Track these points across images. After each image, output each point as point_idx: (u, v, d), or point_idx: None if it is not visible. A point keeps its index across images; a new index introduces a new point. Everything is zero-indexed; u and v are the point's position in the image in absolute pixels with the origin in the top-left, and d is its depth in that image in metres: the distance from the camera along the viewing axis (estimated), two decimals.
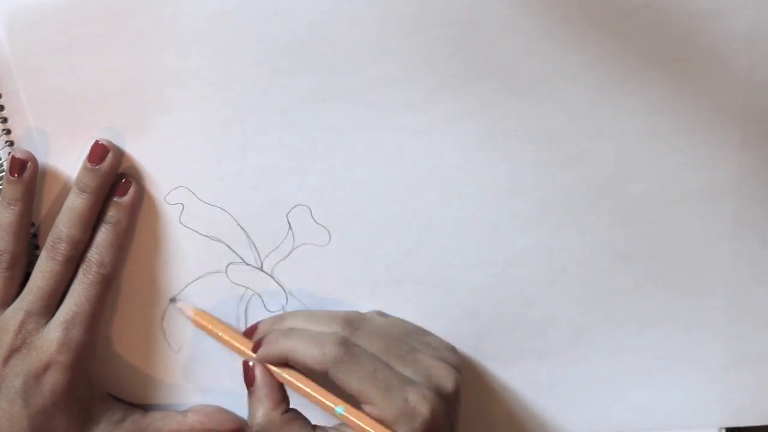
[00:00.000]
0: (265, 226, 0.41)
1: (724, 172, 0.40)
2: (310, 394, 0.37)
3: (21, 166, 0.39)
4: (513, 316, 0.42)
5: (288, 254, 0.42)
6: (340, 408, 0.36)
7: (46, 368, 0.38)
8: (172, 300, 0.42)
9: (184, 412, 0.42)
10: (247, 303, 0.42)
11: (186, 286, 0.42)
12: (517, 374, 0.43)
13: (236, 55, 0.39)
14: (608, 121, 0.40)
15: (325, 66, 0.39)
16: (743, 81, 0.39)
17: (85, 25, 0.39)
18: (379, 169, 0.41)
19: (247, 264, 0.42)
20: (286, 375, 0.38)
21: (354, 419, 0.36)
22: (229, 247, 0.42)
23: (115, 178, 0.40)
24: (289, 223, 0.41)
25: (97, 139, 0.40)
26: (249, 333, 0.41)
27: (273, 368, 0.38)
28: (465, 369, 0.42)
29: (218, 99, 0.40)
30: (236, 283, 0.42)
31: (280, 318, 0.40)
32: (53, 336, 0.38)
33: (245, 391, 0.42)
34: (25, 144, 0.40)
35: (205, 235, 0.41)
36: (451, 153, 0.40)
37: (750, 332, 0.42)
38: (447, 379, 0.37)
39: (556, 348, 0.42)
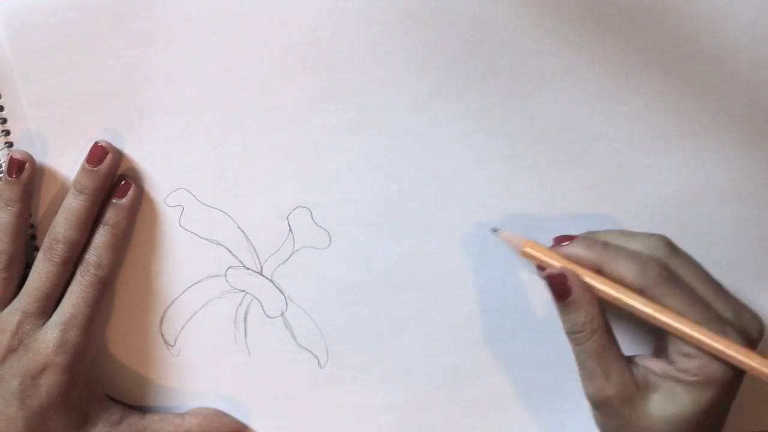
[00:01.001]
0: (265, 228, 0.41)
1: (726, 173, 0.40)
2: (638, 308, 0.35)
3: (19, 166, 0.39)
4: (513, 321, 0.42)
5: (288, 258, 0.41)
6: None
7: (42, 369, 0.38)
8: (494, 230, 0.40)
9: (182, 415, 0.42)
10: (247, 308, 0.42)
11: (185, 290, 0.42)
12: (518, 380, 0.43)
13: (236, 55, 0.39)
14: (610, 122, 0.40)
15: (325, 66, 0.39)
16: (745, 81, 0.39)
17: (85, 26, 0.39)
18: (380, 170, 0.40)
19: (247, 268, 0.42)
20: (605, 286, 0.36)
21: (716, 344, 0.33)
22: (228, 250, 0.41)
23: (114, 180, 0.40)
24: (289, 225, 0.41)
25: (96, 140, 0.40)
26: (559, 240, 0.38)
27: (589, 277, 0.36)
28: (465, 374, 0.42)
29: (218, 100, 0.40)
30: (235, 288, 0.42)
31: (592, 233, 0.38)
32: (50, 337, 0.38)
33: (243, 394, 0.42)
34: (24, 144, 0.40)
35: (205, 239, 0.41)
36: (453, 154, 0.40)
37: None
38: (756, 326, 0.36)
39: (556, 353, 0.42)
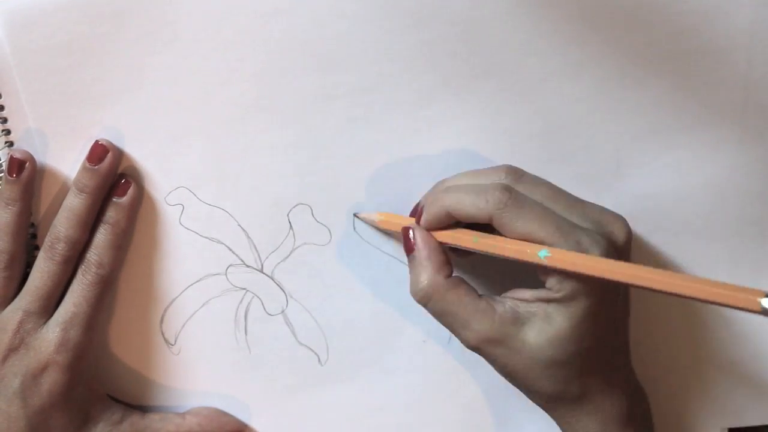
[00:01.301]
0: (266, 225, 0.41)
1: (724, 169, 0.40)
2: (495, 246, 0.35)
3: (19, 165, 0.39)
4: None
5: (288, 255, 0.41)
6: (544, 251, 0.33)
7: (44, 368, 0.38)
8: (355, 215, 0.41)
9: (183, 414, 0.42)
10: (247, 306, 0.42)
11: (185, 289, 0.42)
12: None
13: (236, 54, 0.39)
14: (608, 119, 0.40)
15: (325, 65, 0.39)
16: (742, 78, 0.39)
17: (85, 25, 0.39)
18: (380, 167, 0.41)
19: (248, 266, 0.42)
20: (453, 235, 0.36)
21: (562, 258, 0.32)
22: (229, 248, 0.41)
23: (114, 179, 0.40)
24: (290, 222, 0.41)
25: (97, 139, 0.40)
26: (413, 214, 0.39)
27: (441, 233, 0.36)
28: (465, 373, 0.42)
29: (218, 99, 0.40)
30: (236, 286, 0.42)
31: (440, 181, 0.38)
32: (51, 336, 0.38)
33: (243, 393, 0.42)
34: (25, 144, 0.40)
35: (205, 237, 0.41)
36: (452, 152, 0.40)
37: (752, 332, 0.42)
38: (619, 228, 0.35)
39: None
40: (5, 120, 0.40)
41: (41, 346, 0.38)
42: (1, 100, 0.40)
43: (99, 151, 0.39)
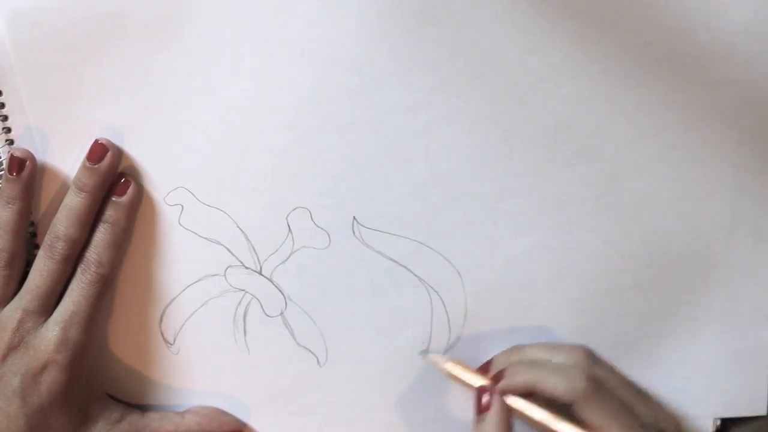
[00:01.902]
0: (265, 228, 0.41)
1: (722, 168, 0.40)
2: (557, 425, 0.37)
3: (20, 164, 0.39)
4: (513, 318, 0.42)
5: (287, 258, 0.41)
6: None
7: (44, 367, 0.38)
8: (422, 352, 0.42)
9: (182, 413, 0.42)
10: (246, 307, 0.42)
11: (184, 289, 0.42)
12: None
13: (236, 54, 0.39)
14: (607, 119, 0.40)
15: (325, 66, 0.39)
16: (741, 78, 0.39)
17: (86, 24, 0.39)
18: (379, 170, 0.40)
19: (246, 267, 0.41)
20: (530, 407, 0.38)
21: None
22: (228, 249, 0.41)
23: (114, 178, 0.40)
24: (288, 225, 0.41)
25: (97, 138, 0.39)
26: (483, 370, 0.41)
27: (515, 400, 0.38)
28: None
29: (219, 99, 0.39)
30: (234, 287, 0.42)
31: (517, 350, 0.40)
32: (51, 335, 0.38)
33: (242, 394, 0.42)
34: (25, 142, 0.40)
35: (205, 237, 0.41)
36: (451, 153, 0.40)
37: (745, 326, 0.42)
38: (671, 425, 0.39)
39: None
40: (6, 118, 0.40)
41: (41, 345, 0.38)
42: (2, 97, 0.40)
43: (99, 150, 0.39)
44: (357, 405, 0.43)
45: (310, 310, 0.42)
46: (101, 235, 0.40)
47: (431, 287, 0.42)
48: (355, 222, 0.41)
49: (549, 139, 0.40)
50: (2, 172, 0.40)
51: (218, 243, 0.41)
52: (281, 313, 0.42)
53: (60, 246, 0.39)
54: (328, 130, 0.40)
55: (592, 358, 0.38)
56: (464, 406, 0.43)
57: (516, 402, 0.38)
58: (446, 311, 0.42)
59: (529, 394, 0.38)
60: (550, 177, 0.40)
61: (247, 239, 0.41)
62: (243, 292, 0.42)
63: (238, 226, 0.41)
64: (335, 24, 0.38)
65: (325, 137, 0.40)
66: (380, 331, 0.42)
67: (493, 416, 0.38)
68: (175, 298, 0.42)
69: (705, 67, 0.39)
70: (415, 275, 0.41)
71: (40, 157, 0.40)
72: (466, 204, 0.41)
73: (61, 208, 0.39)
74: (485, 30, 0.39)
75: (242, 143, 0.40)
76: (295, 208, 0.41)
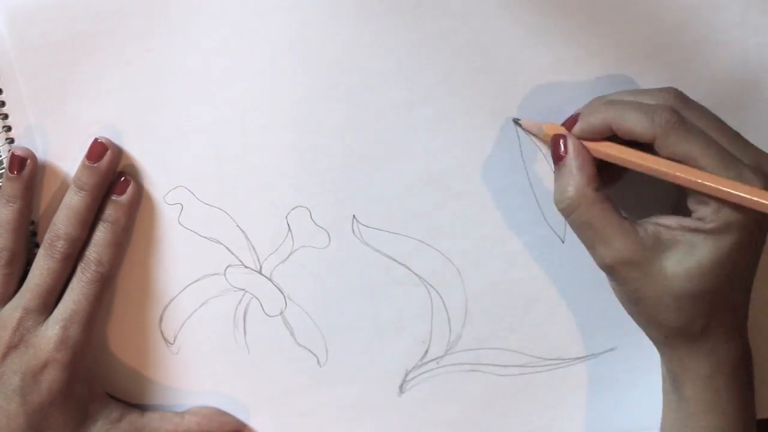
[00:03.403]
0: (265, 227, 0.41)
1: None
2: (642, 164, 0.34)
3: (20, 163, 0.39)
4: (513, 317, 0.42)
5: (287, 257, 0.41)
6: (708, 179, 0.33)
7: (44, 366, 0.38)
8: (515, 121, 0.39)
9: (182, 414, 0.42)
10: (246, 307, 0.42)
11: (184, 288, 0.42)
12: (518, 375, 0.43)
13: (236, 54, 0.39)
14: None
15: (324, 64, 0.39)
16: (737, 72, 0.39)
17: (86, 22, 0.39)
18: (378, 169, 0.40)
19: (246, 266, 0.41)
20: (609, 150, 0.35)
21: (729, 187, 0.32)
22: (227, 248, 0.41)
23: (113, 177, 0.40)
24: (288, 224, 0.41)
25: (96, 137, 0.39)
26: (569, 123, 0.37)
27: (593, 144, 0.35)
28: (465, 372, 0.42)
29: (218, 98, 0.39)
30: (234, 286, 0.42)
31: (600, 97, 0.37)
32: (51, 334, 0.38)
33: (242, 393, 0.42)
34: (26, 141, 0.40)
35: (204, 237, 0.41)
36: (451, 150, 0.40)
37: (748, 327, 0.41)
38: None
39: (556, 348, 0.42)
40: (6, 116, 0.40)
41: (41, 344, 0.38)
42: (2, 96, 0.40)
43: (98, 149, 0.39)
44: (357, 405, 0.43)
45: (310, 310, 0.42)
46: (101, 234, 0.40)
47: (431, 286, 0.41)
48: (354, 221, 0.41)
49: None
50: (2, 171, 0.40)
51: (218, 242, 0.41)
52: (281, 313, 0.42)
53: (60, 245, 0.39)
54: (327, 129, 0.40)
55: (680, 97, 0.35)
56: (464, 409, 0.43)
57: (601, 146, 0.35)
58: (446, 310, 0.42)
59: (608, 139, 0.35)
60: (550, 174, 0.40)
61: (247, 238, 0.41)
62: (243, 292, 0.42)
63: (237, 226, 0.41)
64: (334, 23, 0.38)
65: (324, 136, 0.40)
66: (380, 330, 0.42)
67: (570, 161, 0.35)
68: (174, 297, 0.42)
69: (699, 61, 0.39)
70: (415, 274, 0.41)
71: (40, 155, 0.40)
72: (466, 202, 0.41)
73: (61, 206, 0.39)
74: (484, 26, 0.39)
75: (241, 142, 0.40)
76: (294, 208, 0.41)
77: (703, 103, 0.38)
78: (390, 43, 0.39)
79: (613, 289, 0.36)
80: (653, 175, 0.34)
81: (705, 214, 0.33)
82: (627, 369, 0.42)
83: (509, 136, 0.40)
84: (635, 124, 0.34)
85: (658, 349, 0.37)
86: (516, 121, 0.39)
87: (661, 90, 0.35)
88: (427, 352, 0.42)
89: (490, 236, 0.41)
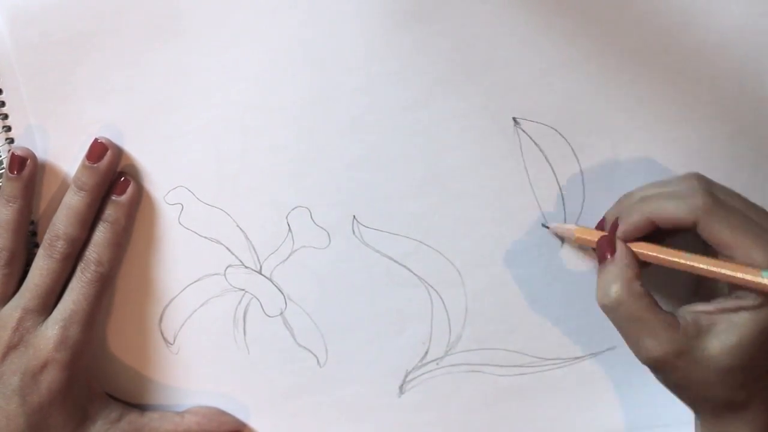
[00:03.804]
0: (265, 227, 0.41)
1: (718, 164, 0.40)
2: (694, 266, 0.35)
3: (21, 163, 0.39)
4: (513, 317, 0.42)
5: (287, 257, 0.41)
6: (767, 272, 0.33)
7: (43, 366, 0.38)
8: (544, 225, 0.41)
9: (182, 413, 0.42)
10: (246, 307, 0.42)
11: (184, 288, 0.42)
12: (518, 375, 0.43)
13: (236, 53, 0.39)
14: (605, 116, 0.40)
15: (324, 65, 0.39)
16: (734, 73, 0.39)
17: (86, 22, 0.39)
18: (379, 169, 0.40)
19: (246, 267, 0.41)
20: (650, 251, 0.36)
21: None
22: (228, 249, 0.41)
23: (113, 177, 0.40)
24: (288, 225, 0.41)
25: (97, 137, 0.39)
26: (600, 226, 0.39)
27: (642, 245, 0.37)
28: (464, 372, 0.42)
29: (218, 98, 0.39)
30: (234, 287, 0.42)
31: (626, 195, 0.39)
32: (51, 334, 0.38)
33: (242, 393, 0.42)
34: (26, 140, 0.40)
35: (205, 237, 0.41)
36: (451, 151, 0.40)
37: None
38: None
39: (556, 348, 0.42)
40: (6, 116, 0.40)
41: (40, 344, 0.38)
42: (2, 96, 0.40)
43: (98, 149, 0.39)
44: (357, 405, 0.43)
45: (310, 310, 0.42)
46: (101, 234, 0.40)
47: (431, 286, 0.41)
48: (355, 221, 0.41)
49: (548, 136, 0.40)
50: (2, 171, 0.40)
51: (218, 242, 0.41)
52: (281, 313, 0.42)
53: (59, 245, 0.39)
54: (327, 129, 0.40)
55: (706, 180, 0.36)
56: (466, 405, 0.43)
57: (642, 247, 0.36)
58: (446, 310, 0.42)
59: (651, 234, 0.36)
60: (550, 174, 0.40)
61: (247, 238, 0.41)
62: (243, 292, 0.42)
63: (238, 226, 0.41)
64: (334, 23, 0.38)
65: (324, 136, 0.40)
66: (380, 331, 0.42)
67: (617, 262, 0.36)
68: (174, 297, 0.42)
69: (700, 63, 0.39)
70: (415, 274, 0.41)
71: (40, 155, 0.40)
72: (465, 202, 0.41)
73: (60, 206, 0.39)
74: (483, 27, 0.39)
75: (241, 142, 0.40)
76: (294, 208, 0.41)
77: (702, 105, 0.39)
78: (390, 44, 0.39)
79: (659, 379, 0.37)
80: (694, 273, 0.35)
81: (743, 292, 0.34)
82: (627, 369, 0.42)
83: (509, 137, 0.40)
84: (674, 211, 0.35)
85: (702, 418, 0.37)
86: (544, 225, 0.41)
87: (684, 177, 0.36)
88: (427, 353, 0.42)
89: (490, 236, 0.41)
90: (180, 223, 0.41)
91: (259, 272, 0.41)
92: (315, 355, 0.42)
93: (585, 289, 0.41)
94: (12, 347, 0.38)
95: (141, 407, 0.43)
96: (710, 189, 0.35)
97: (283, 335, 0.42)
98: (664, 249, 0.36)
